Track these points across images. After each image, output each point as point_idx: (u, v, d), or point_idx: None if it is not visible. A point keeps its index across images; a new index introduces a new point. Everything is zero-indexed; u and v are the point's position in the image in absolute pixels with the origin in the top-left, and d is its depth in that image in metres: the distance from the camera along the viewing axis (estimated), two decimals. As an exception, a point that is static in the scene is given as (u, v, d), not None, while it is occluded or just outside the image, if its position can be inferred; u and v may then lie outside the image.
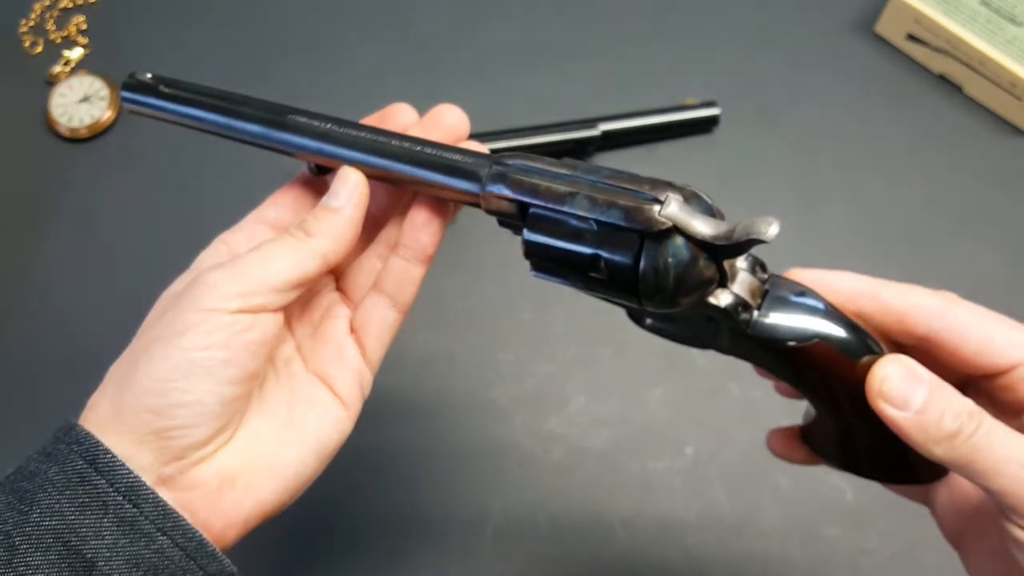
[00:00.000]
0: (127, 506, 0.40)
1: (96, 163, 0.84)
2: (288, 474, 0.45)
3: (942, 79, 0.85)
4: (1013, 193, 0.81)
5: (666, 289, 0.41)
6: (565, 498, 0.70)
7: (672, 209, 0.40)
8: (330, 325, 0.50)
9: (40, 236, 0.81)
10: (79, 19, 0.90)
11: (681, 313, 0.43)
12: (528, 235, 0.43)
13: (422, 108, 0.50)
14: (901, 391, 0.41)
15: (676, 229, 0.40)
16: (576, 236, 0.42)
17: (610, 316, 0.80)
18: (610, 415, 0.73)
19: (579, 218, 0.42)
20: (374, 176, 0.48)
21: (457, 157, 0.45)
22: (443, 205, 0.48)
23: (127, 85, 0.51)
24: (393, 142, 0.47)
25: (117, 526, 0.40)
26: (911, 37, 0.85)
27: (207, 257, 0.49)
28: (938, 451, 0.40)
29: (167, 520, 0.41)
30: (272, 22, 0.90)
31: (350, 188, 0.47)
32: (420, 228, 0.48)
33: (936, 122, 0.83)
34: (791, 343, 0.43)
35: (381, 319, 0.49)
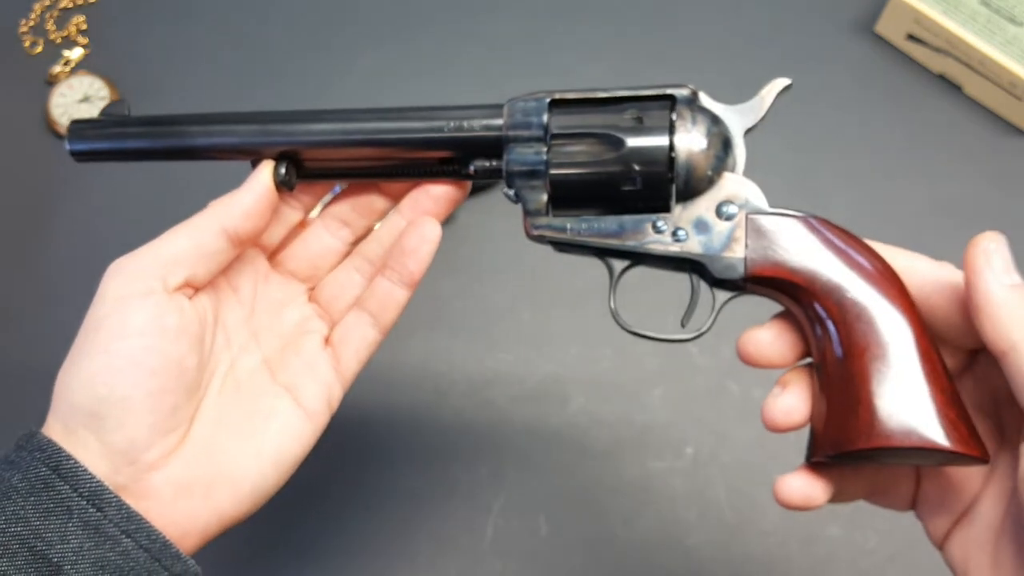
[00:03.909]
0: (91, 510, 0.40)
1: (96, 163, 0.84)
2: (245, 485, 0.45)
3: (942, 79, 0.85)
4: (1013, 193, 0.80)
5: (702, 154, 0.45)
6: (565, 498, 0.70)
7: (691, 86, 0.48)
8: (302, 339, 0.50)
9: (40, 236, 0.81)
10: (79, 19, 0.90)
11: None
12: (555, 126, 0.46)
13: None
14: (1004, 264, 0.40)
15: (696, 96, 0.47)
16: (607, 115, 0.46)
17: (610, 316, 0.80)
18: (610, 415, 0.73)
19: (609, 102, 0.47)
20: (374, 144, 0.48)
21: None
22: (433, 232, 0.48)
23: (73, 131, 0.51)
24: (388, 111, 0.48)
25: (82, 530, 0.40)
26: (911, 37, 0.85)
27: None
28: (1017, 334, 0.38)
29: (131, 523, 0.41)
30: (272, 22, 0.90)
31: (256, 174, 0.47)
32: (409, 255, 0.48)
33: (936, 122, 0.83)
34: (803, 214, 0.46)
35: (361, 336, 0.49)
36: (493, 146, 0.47)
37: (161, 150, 0.49)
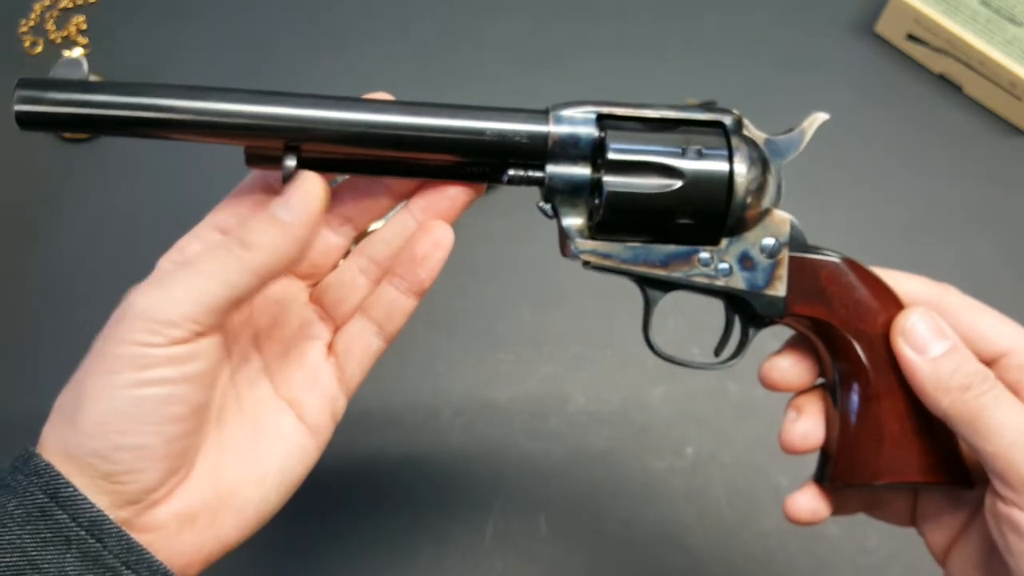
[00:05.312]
0: (90, 541, 0.39)
1: (96, 163, 0.84)
2: (249, 510, 0.44)
3: (942, 79, 0.85)
4: (1013, 193, 0.80)
5: (756, 189, 0.44)
6: (565, 498, 0.70)
7: (735, 111, 0.46)
8: (304, 347, 0.47)
9: (40, 236, 0.81)
10: (79, 19, 0.90)
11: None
12: (614, 153, 0.43)
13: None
14: (923, 336, 0.43)
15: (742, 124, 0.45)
16: (666, 145, 0.44)
17: (610, 316, 0.80)
18: (610, 415, 0.73)
19: (661, 124, 0.44)
20: (400, 143, 0.43)
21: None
22: (446, 238, 0.45)
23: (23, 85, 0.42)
24: (425, 106, 0.44)
25: (80, 561, 0.39)
26: (911, 37, 0.85)
27: (164, 263, 0.45)
28: (945, 401, 0.42)
29: (131, 554, 0.40)
30: (272, 22, 0.90)
31: (305, 198, 0.42)
32: (420, 263, 0.46)
33: (936, 122, 0.83)
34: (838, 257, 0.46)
35: (366, 346, 0.47)
36: (534, 156, 0.44)
37: (132, 122, 0.43)
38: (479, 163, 0.45)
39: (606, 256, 0.45)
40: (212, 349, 0.42)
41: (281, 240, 0.42)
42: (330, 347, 0.48)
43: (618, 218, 0.44)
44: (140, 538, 0.41)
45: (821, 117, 0.47)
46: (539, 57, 0.87)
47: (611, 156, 0.43)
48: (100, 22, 0.90)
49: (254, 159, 0.44)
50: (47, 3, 0.91)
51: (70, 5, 0.91)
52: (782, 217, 0.46)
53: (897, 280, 0.46)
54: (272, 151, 0.43)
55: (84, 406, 0.40)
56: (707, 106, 0.46)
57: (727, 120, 0.45)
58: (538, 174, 0.44)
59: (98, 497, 0.40)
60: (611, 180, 0.43)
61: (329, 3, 0.91)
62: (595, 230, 0.44)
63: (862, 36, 0.87)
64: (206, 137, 0.43)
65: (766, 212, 0.46)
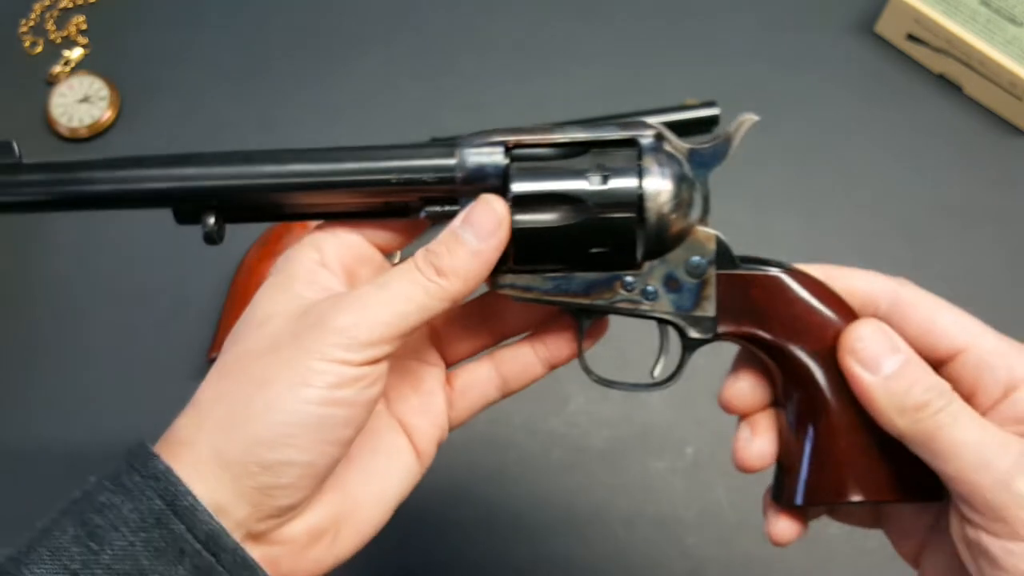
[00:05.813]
0: (205, 554, 0.38)
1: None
2: (367, 529, 0.44)
3: (942, 79, 0.85)
4: (1013, 193, 0.80)
5: (672, 209, 0.42)
6: (565, 498, 0.70)
7: (656, 124, 0.43)
8: (422, 372, 0.47)
9: (40, 237, 0.81)
10: (79, 19, 0.90)
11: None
12: (517, 185, 0.42)
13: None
14: (874, 352, 0.40)
15: (662, 138, 0.43)
16: (571, 173, 0.42)
17: (610, 316, 0.80)
18: (610, 415, 0.73)
19: (571, 146, 0.43)
20: (313, 188, 0.43)
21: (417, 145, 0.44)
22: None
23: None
24: (330, 152, 0.44)
25: (192, 574, 0.37)
26: (911, 37, 0.84)
27: (297, 259, 0.43)
28: (901, 422, 0.40)
29: (244, 570, 0.38)
30: (273, 23, 0.90)
31: (495, 223, 0.42)
32: (570, 352, 0.48)
33: (936, 122, 0.83)
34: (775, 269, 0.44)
35: (484, 394, 0.48)
36: (446, 192, 0.43)
37: (62, 201, 0.43)
38: (394, 202, 0.44)
39: (526, 289, 0.44)
40: (386, 374, 0.41)
41: (476, 267, 0.42)
42: (449, 379, 0.48)
43: (531, 252, 0.43)
44: (270, 551, 0.40)
45: (749, 120, 0.44)
46: (539, 57, 0.87)
47: (514, 191, 0.43)
48: (100, 22, 0.90)
49: (183, 217, 0.45)
50: (47, 3, 0.91)
51: (70, 5, 0.91)
52: (707, 234, 0.44)
53: (849, 278, 0.44)
54: (197, 209, 0.44)
55: (264, 415, 0.39)
56: (631, 123, 0.44)
57: (644, 138, 0.43)
58: (453, 208, 0.44)
59: (240, 507, 0.39)
60: (516, 217, 0.43)
61: (329, 3, 0.91)
62: (513, 262, 0.44)
63: (862, 36, 0.87)
64: (133, 204, 0.44)
65: (689, 230, 0.44)
